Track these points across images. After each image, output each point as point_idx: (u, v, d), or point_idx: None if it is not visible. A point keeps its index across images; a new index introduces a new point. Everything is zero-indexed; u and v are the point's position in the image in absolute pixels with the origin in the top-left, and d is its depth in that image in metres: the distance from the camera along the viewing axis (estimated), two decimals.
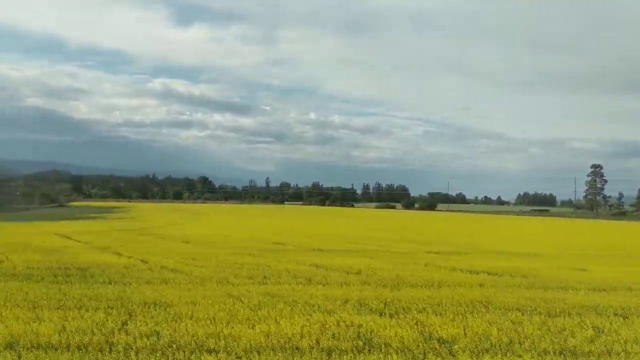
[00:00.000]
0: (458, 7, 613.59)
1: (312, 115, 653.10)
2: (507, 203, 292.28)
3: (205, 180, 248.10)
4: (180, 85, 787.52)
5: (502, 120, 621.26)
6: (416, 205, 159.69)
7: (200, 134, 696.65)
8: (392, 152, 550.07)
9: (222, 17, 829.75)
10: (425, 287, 13.73)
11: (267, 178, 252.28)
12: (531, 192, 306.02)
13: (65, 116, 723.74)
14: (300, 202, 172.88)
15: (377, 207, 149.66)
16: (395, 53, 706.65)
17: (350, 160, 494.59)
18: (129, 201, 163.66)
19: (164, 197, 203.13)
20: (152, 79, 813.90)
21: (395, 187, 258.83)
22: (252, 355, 7.12)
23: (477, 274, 16.99)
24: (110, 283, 13.39)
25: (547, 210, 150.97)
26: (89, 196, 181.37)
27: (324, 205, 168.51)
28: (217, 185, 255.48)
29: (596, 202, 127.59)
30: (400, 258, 21.37)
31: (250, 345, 7.57)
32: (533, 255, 24.65)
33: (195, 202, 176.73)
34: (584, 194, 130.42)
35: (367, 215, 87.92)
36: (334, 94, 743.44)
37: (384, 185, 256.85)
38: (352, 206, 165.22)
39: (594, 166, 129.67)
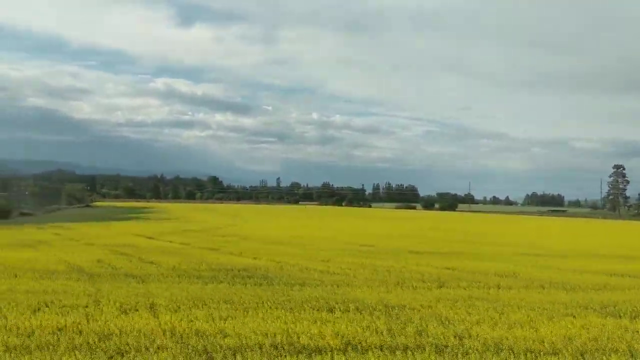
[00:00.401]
0: (458, 7, 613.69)
1: (314, 115, 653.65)
2: (515, 203, 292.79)
3: (215, 180, 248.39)
4: (182, 85, 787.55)
5: (503, 120, 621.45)
6: (436, 206, 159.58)
7: (201, 134, 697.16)
8: (393, 152, 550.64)
9: (223, 17, 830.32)
10: (597, 290, 13.95)
11: (278, 178, 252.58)
12: (539, 192, 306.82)
13: (67, 116, 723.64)
14: (315, 203, 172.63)
15: (396, 208, 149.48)
16: (396, 53, 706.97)
17: (352, 160, 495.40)
18: (148, 201, 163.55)
19: (176, 196, 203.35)
20: (153, 78, 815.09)
21: (405, 187, 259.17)
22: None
23: (615, 276, 17.26)
24: (301, 285, 13.53)
25: (564, 211, 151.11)
26: (102, 196, 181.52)
27: (340, 205, 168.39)
28: (224, 185, 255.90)
29: (618, 203, 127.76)
30: (526, 262, 21.36)
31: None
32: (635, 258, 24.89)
33: (209, 202, 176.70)
34: (605, 194, 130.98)
35: (405, 217, 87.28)
36: (335, 94, 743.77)
37: (393, 185, 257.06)
38: (370, 206, 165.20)
39: (616, 167, 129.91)
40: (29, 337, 7.40)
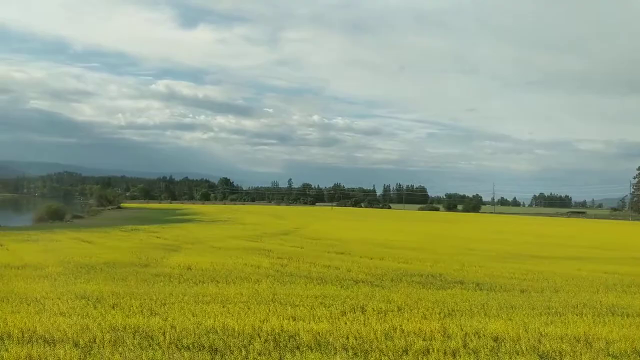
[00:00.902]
0: (464, 7, 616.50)
1: (316, 118, 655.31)
2: (522, 205, 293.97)
3: (226, 181, 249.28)
4: (184, 87, 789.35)
5: (507, 122, 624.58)
6: (459, 208, 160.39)
7: (203, 136, 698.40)
8: (396, 154, 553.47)
9: (226, 18, 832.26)
10: None
11: (290, 179, 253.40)
12: (545, 193, 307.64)
13: (70, 119, 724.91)
14: (334, 204, 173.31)
15: (420, 209, 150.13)
16: (400, 54, 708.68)
17: (355, 162, 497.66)
18: (171, 202, 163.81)
19: (191, 198, 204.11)
20: (155, 80, 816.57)
21: (415, 187, 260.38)
22: None
23: None
24: (521, 291, 14.43)
25: (584, 213, 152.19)
26: (131, 198, 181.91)
27: (359, 207, 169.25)
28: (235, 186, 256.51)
29: None
30: None
31: None
32: None
33: (226, 203, 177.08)
34: (627, 195, 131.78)
35: (455, 220, 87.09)
36: (338, 96, 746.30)
37: (404, 187, 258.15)
38: (390, 208, 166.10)
39: None
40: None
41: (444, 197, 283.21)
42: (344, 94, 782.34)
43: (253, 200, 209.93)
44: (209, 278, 15.22)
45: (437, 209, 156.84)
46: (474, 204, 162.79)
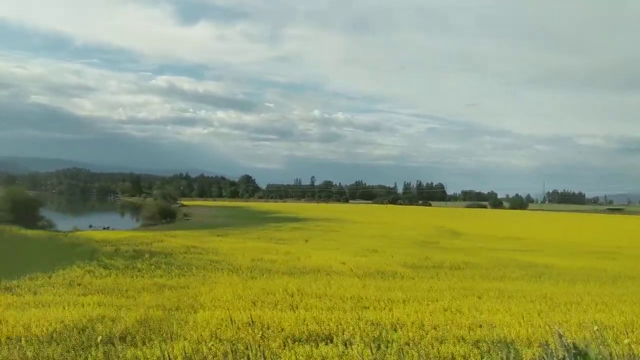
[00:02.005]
0: (465, 4, 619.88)
1: (316, 113, 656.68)
2: (535, 201, 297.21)
3: (248, 179, 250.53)
4: (184, 83, 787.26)
5: (508, 117, 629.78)
6: (505, 205, 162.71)
7: (204, 131, 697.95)
8: (397, 150, 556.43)
9: (227, 14, 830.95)
10: None
11: (313, 177, 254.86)
12: (559, 189, 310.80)
13: (70, 114, 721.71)
14: (370, 201, 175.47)
15: (468, 207, 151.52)
16: (401, 50, 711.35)
17: (355, 157, 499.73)
18: (215, 200, 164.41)
19: (220, 195, 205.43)
20: (155, 76, 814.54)
21: (434, 185, 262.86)
22: None
23: None
24: None
25: (622, 210, 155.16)
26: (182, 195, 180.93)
27: (396, 204, 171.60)
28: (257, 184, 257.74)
29: None
30: None
31: None
32: None
33: (259, 201, 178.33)
34: None
35: (545, 218, 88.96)
36: (338, 91, 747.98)
37: (424, 184, 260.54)
38: (430, 205, 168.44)
39: None
40: None
41: (460, 194, 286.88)
42: (345, 90, 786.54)
43: (281, 197, 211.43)
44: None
45: (485, 207, 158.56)
46: (520, 202, 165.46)
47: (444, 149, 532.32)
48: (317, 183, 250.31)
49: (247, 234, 40.47)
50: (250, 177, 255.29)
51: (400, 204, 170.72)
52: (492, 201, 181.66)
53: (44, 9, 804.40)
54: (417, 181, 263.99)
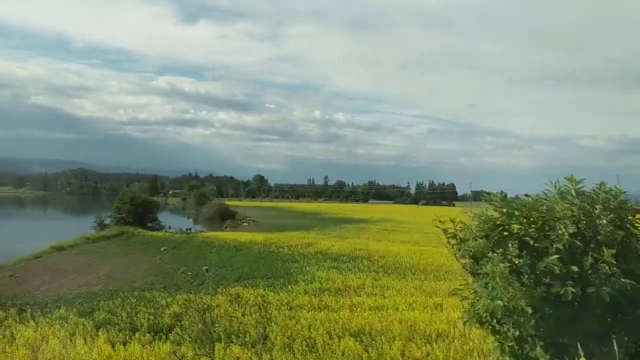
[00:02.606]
0: (465, 3, 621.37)
1: (317, 113, 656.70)
2: None
3: (261, 179, 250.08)
4: (185, 83, 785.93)
5: (509, 118, 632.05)
6: None
7: (205, 132, 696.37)
8: (397, 150, 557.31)
9: (227, 14, 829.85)
10: None
11: (326, 176, 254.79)
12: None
13: (71, 114, 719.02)
14: (390, 201, 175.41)
15: None
16: (401, 50, 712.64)
17: (356, 158, 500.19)
18: (240, 200, 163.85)
19: (236, 195, 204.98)
20: (156, 76, 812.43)
21: (446, 185, 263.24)
22: None
23: None
24: None
25: None
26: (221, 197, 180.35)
27: (417, 204, 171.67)
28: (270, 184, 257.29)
29: None
30: None
31: None
32: None
33: (276, 201, 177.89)
34: None
35: None
36: (338, 92, 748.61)
37: (436, 184, 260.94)
38: (454, 205, 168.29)
39: None
40: None
41: (469, 194, 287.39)
42: (345, 90, 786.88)
43: (297, 197, 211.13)
44: None
45: None
46: None
47: (444, 150, 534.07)
48: (328, 183, 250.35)
49: (343, 235, 40.22)
50: (263, 177, 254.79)
51: (425, 205, 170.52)
52: None
53: (45, 9, 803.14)
54: (430, 181, 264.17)
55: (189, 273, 16.16)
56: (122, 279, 19.86)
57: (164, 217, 75.71)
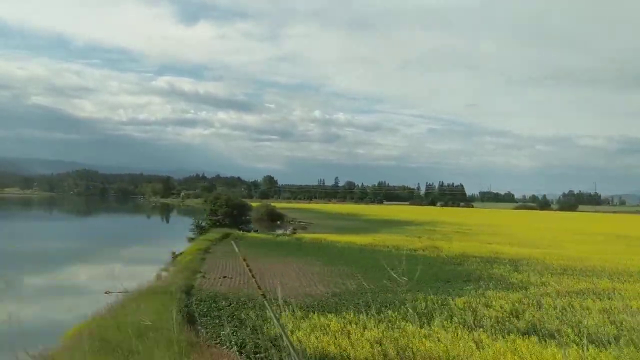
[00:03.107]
0: (465, 3, 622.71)
1: (317, 113, 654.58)
2: (551, 202, 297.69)
3: (271, 180, 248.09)
4: (185, 83, 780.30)
5: (510, 118, 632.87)
6: (553, 207, 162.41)
7: (205, 132, 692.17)
8: (397, 150, 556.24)
9: (227, 14, 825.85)
10: None
11: (336, 177, 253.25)
12: (564, 191, 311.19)
13: (71, 115, 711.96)
14: (406, 202, 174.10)
15: (517, 208, 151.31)
16: (401, 50, 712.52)
17: (356, 158, 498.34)
18: (279, 201, 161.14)
19: (249, 196, 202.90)
20: (156, 77, 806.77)
21: (455, 186, 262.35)
22: None
23: None
24: None
25: None
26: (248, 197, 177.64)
27: (435, 205, 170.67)
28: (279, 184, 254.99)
29: None
30: None
31: None
32: None
33: (294, 202, 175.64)
34: None
35: None
36: (338, 92, 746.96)
37: (445, 184, 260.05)
38: (472, 206, 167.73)
39: None
40: None
41: (477, 195, 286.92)
42: (345, 90, 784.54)
43: (310, 198, 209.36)
44: None
45: (532, 208, 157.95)
46: (570, 204, 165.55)
47: (445, 150, 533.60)
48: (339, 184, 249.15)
49: (443, 238, 38.90)
50: (273, 177, 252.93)
51: (443, 206, 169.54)
52: (538, 203, 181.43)
53: (44, 9, 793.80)
54: (440, 182, 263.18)
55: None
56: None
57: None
